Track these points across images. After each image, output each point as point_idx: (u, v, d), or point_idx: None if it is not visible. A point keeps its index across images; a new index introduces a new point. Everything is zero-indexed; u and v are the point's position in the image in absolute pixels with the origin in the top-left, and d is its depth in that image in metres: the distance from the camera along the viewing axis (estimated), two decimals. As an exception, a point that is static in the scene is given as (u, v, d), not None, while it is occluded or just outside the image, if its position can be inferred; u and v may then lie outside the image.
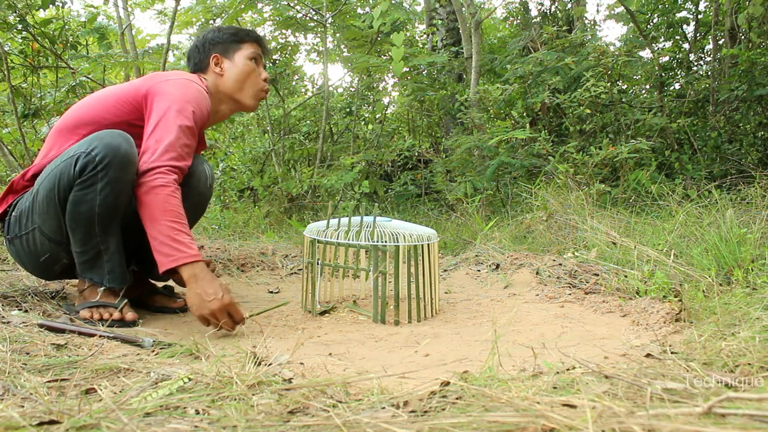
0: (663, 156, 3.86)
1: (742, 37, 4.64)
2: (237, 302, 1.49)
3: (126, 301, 1.55)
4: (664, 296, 1.57)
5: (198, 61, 1.73)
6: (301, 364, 1.17)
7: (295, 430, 0.71)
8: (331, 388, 0.89)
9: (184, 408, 0.79)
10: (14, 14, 3.66)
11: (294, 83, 5.63)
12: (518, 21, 5.85)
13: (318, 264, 1.73)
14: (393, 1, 4.61)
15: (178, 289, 1.86)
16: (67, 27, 4.17)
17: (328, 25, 4.55)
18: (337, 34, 4.93)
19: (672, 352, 1.08)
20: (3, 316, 1.39)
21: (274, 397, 0.83)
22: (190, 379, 0.90)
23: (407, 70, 4.93)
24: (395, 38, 3.85)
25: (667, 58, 5.03)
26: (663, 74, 4.69)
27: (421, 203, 4.70)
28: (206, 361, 1.10)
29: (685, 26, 5.43)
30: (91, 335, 1.29)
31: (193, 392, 0.85)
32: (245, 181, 5.12)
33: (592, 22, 5.74)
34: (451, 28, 5.70)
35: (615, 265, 1.95)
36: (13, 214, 1.56)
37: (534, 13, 5.75)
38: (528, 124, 4.34)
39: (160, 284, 1.84)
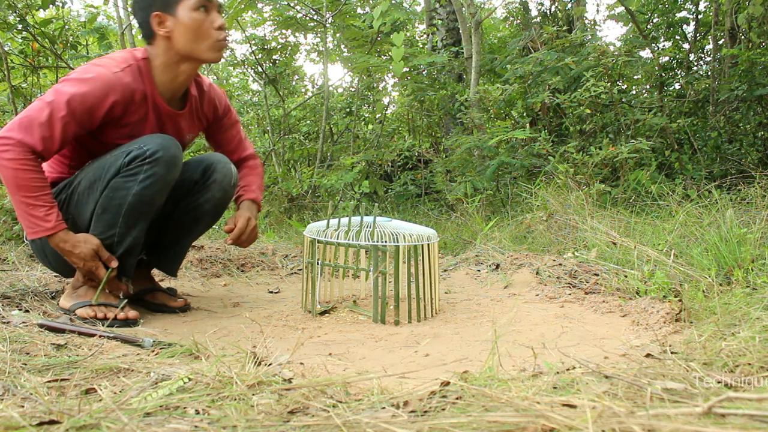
0: (663, 156, 3.85)
1: (742, 37, 4.64)
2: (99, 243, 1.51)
3: (126, 300, 1.56)
4: (664, 296, 1.56)
5: (141, 22, 1.57)
6: (301, 364, 1.17)
7: (295, 430, 0.71)
8: (331, 388, 0.89)
9: (184, 408, 0.79)
10: (14, 14, 3.66)
11: (294, 83, 5.63)
12: (518, 21, 5.85)
13: (318, 264, 1.73)
14: (393, 1, 4.61)
15: (179, 289, 1.85)
16: (67, 27, 4.17)
17: (328, 25, 4.55)
18: (337, 34, 4.94)
19: (672, 352, 1.08)
20: (3, 316, 1.39)
21: (274, 397, 0.83)
22: (190, 379, 0.90)
23: (407, 70, 4.93)
24: (395, 38, 3.85)
25: (667, 58, 5.02)
26: (663, 74, 4.69)
27: (421, 203, 4.70)
28: (206, 361, 1.10)
29: (685, 26, 5.43)
30: (91, 335, 1.29)
31: (193, 392, 0.85)
32: (245, 181, 5.10)
33: (592, 22, 5.73)
34: (451, 28, 5.70)
35: (615, 265, 1.95)
36: None
37: (534, 13, 5.76)
38: (528, 124, 4.34)
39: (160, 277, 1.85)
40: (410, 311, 1.65)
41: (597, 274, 1.96)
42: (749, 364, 0.92)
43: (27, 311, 1.52)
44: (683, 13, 5.33)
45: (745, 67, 4.09)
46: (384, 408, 0.78)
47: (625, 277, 1.82)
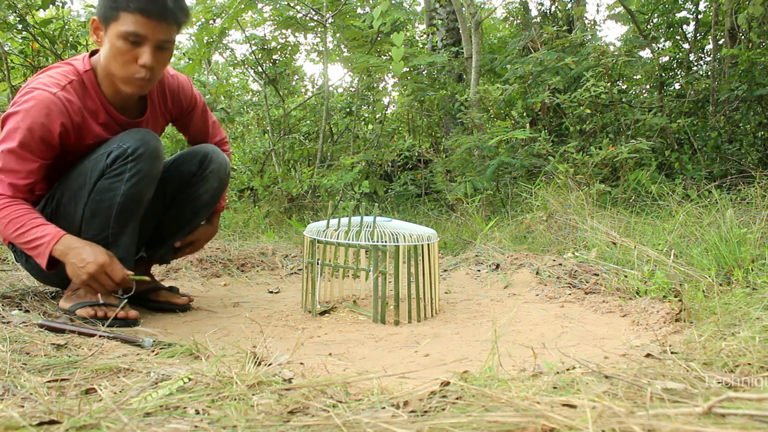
0: (663, 156, 3.85)
1: (742, 37, 4.64)
2: (114, 258, 1.45)
3: (126, 300, 1.55)
4: (664, 296, 1.56)
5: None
6: (301, 364, 1.17)
7: (295, 430, 0.71)
8: (331, 388, 0.89)
9: (184, 408, 0.79)
10: (14, 14, 3.66)
11: (294, 83, 5.63)
12: (518, 21, 5.85)
13: (318, 264, 1.73)
14: (393, 1, 4.61)
15: (179, 289, 1.86)
16: (67, 27, 4.17)
17: (328, 25, 4.55)
18: (337, 34, 4.94)
19: (672, 352, 1.08)
20: (3, 316, 1.39)
21: (274, 397, 0.83)
22: (190, 379, 0.90)
23: (407, 70, 4.93)
24: (395, 38, 3.85)
25: (667, 58, 5.02)
26: (663, 74, 4.69)
27: (421, 203, 4.70)
28: (206, 361, 1.10)
29: (685, 26, 5.43)
30: (91, 335, 1.29)
31: (193, 392, 0.85)
32: (245, 181, 5.12)
33: (592, 22, 5.74)
34: (451, 28, 5.70)
35: (615, 265, 1.95)
36: None
37: (534, 13, 5.76)
38: (528, 124, 4.33)
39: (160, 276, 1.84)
40: (410, 311, 1.65)
41: (597, 274, 1.96)
42: (749, 364, 0.92)
43: (27, 311, 1.52)
44: (683, 13, 5.33)
45: (745, 67, 4.09)
46: (384, 408, 0.78)
47: (625, 277, 1.82)
